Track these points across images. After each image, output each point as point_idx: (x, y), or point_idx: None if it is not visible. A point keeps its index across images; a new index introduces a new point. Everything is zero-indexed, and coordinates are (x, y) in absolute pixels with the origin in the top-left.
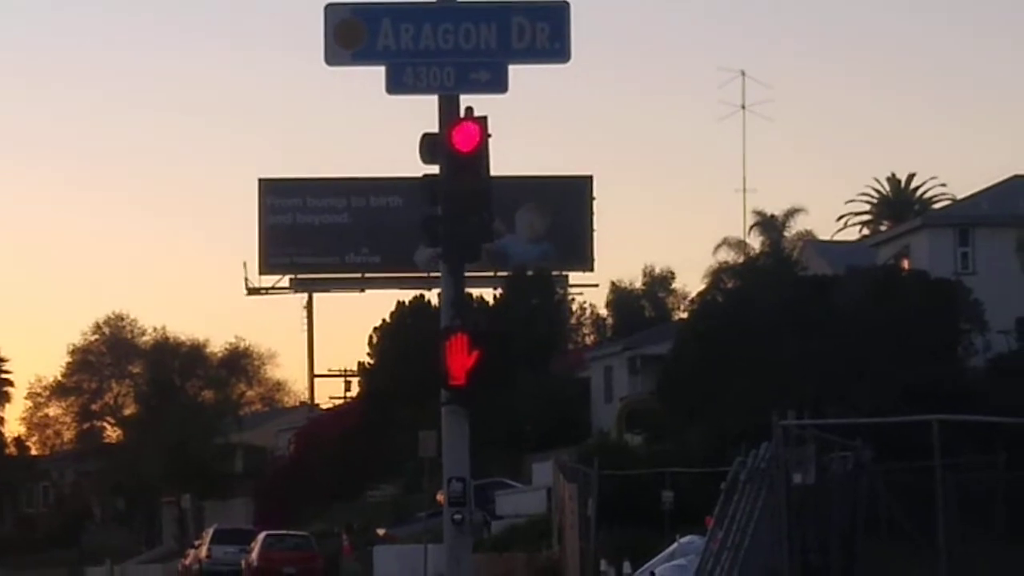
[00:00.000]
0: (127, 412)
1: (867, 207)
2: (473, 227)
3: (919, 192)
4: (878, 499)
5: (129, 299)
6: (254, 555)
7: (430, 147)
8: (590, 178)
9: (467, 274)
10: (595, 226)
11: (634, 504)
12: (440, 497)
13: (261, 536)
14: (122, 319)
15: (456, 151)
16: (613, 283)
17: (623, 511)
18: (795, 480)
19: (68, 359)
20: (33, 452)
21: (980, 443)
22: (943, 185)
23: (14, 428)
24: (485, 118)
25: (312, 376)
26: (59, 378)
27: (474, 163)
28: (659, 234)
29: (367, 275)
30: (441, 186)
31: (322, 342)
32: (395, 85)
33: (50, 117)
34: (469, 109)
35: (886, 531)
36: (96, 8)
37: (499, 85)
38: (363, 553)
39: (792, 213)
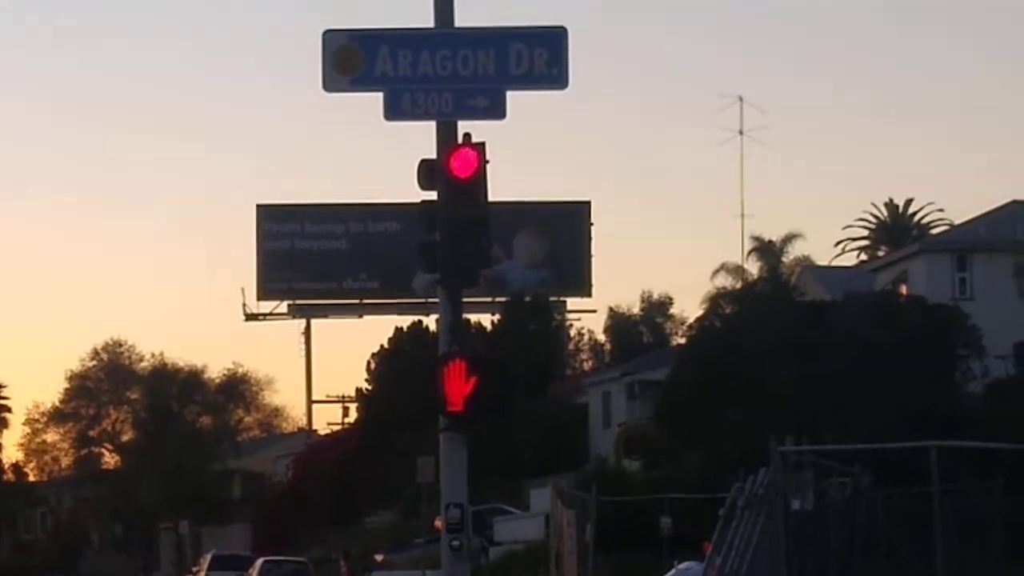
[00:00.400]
0: (125, 438)
1: (865, 232)
2: (471, 253)
3: (917, 217)
4: (876, 524)
5: (127, 325)
6: None
7: (428, 173)
8: (588, 204)
9: (465, 300)
10: (593, 252)
11: (632, 530)
12: (438, 523)
13: (259, 562)
14: (120, 345)
15: (454, 177)
16: (611, 308)
17: (621, 537)
18: (793, 506)
19: (66, 385)
20: (31, 478)
21: (978, 468)
22: (941, 210)
23: (12, 454)
24: (483, 144)
25: (310, 402)
26: (57, 404)
27: (472, 189)
28: (657, 260)
29: (365, 301)
30: (439, 212)
31: (320, 368)
32: (393, 111)
33: (47, 143)
34: (467, 135)
35: (884, 556)
36: (95, 33)
37: (497, 111)
38: None
39: (790, 238)
